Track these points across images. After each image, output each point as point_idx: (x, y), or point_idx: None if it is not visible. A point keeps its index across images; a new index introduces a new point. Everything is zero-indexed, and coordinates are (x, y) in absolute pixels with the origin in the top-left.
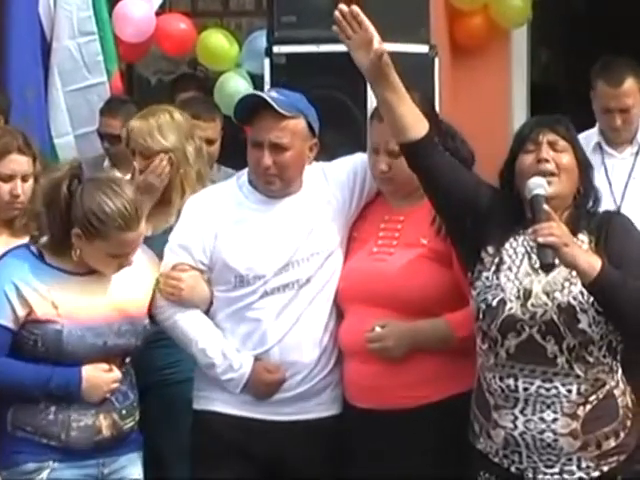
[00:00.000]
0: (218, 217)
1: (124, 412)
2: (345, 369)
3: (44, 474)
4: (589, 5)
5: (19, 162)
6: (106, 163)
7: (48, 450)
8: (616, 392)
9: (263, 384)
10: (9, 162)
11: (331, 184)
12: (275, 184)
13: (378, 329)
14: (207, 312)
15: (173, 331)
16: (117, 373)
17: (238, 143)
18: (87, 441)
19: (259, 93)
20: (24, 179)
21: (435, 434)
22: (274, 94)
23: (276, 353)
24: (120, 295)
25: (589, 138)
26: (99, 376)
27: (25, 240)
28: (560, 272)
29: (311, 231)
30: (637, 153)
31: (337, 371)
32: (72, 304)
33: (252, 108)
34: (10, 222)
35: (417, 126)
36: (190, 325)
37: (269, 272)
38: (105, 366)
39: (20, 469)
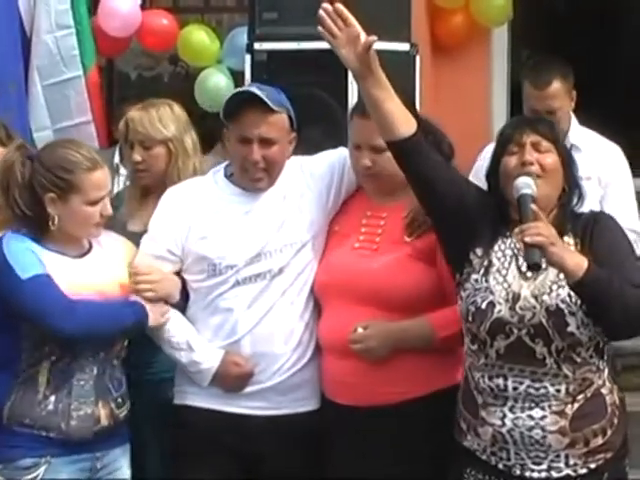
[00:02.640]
0: (193, 209)
1: (119, 400)
2: (324, 365)
3: (41, 470)
4: (570, 4)
5: (0, 153)
6: (116, 159)
7: (46, 444)
8: (604, 391)
9: (230, 377)
10: None
11: (307, 176)
12: (263, 180)
13: (360, 330)
14: (185, 305)
15: None
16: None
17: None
18: (87, 431)
19: (248, 89)
20: None
21: (416, 430)
22: (257, 90)
23: (247, 343)
24: (114, 276)
25: None
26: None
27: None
28: (548, 275)
29: (283, 223)
30: None
31: (314, 365)
32: (75, 285)
33: (238, 104)
34: None
35: (406, 123)
36: None
37: (240, 261)
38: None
39: (16, 464)
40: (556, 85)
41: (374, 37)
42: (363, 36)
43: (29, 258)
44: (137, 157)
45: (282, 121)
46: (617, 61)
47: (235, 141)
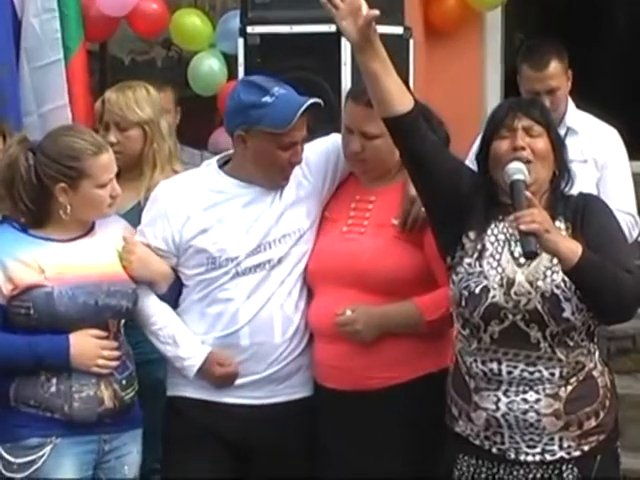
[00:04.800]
0: (189, 203)
1: (124, 382)
2: (314, 349)
3: (46, 449)
4: None
5: None
6: None
7: (52, 425)
8: (595, 373)
9: (213, 376)
10: None
11: (303, 166)
12: (290, 178)
13: (348, 312)
14: (178, 297)
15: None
16: (103, 333)
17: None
18: (90, 412)
19: (304, 99)
20: None
21: (404, 415)
22: (307, 97)
23: (246, 333)
24: (104, 259)
25: None
26: (88, 339)
27: None
28: (542, 261)
29: (282, 213)
30: (565, 135)
31: (308, 353)
32: (58, 267)
33: (295, 114)
34: None
35: (403, 100)
36: (149, 307)
37: (241, 254)
38: (95, 331)
39: (22, 444)
40: (554, 65)
41: (376, 11)
42: (365, 9)
43: None
44: (112, 138)
45: None
46: (612, 44)
47: (276, 146)
